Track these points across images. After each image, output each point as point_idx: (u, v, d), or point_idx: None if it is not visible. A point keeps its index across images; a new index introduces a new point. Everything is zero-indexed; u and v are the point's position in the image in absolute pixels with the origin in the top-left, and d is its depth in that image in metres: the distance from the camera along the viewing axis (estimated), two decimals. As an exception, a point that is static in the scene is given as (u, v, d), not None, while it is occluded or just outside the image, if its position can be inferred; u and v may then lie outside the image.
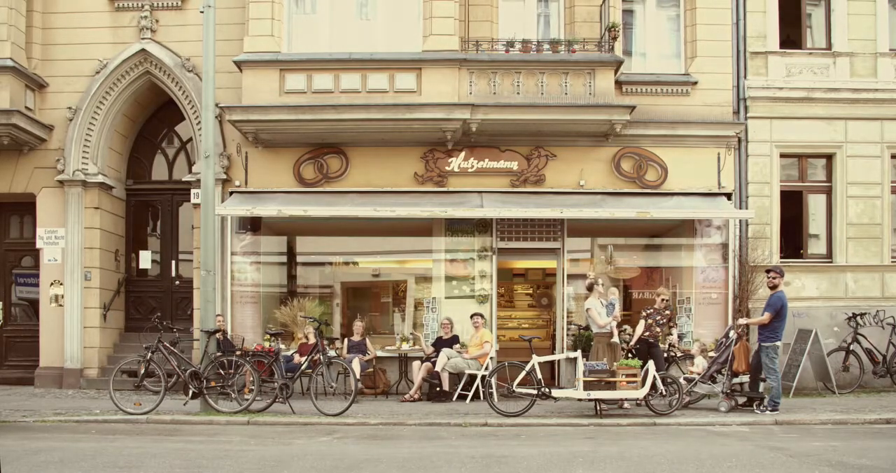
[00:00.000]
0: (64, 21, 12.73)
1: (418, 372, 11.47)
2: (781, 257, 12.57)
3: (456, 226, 12.54)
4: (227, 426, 9.20)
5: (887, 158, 12.69)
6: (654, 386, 9.66)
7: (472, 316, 11.74)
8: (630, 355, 10.50)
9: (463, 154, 12.42)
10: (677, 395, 9.89)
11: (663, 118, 12.45)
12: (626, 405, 10.18)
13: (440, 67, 11.73)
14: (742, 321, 10.53)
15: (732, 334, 10.35)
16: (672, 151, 12.47)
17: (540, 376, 10.13)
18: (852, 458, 6.89)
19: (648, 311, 10.90)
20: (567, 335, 12.39)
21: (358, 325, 12.09)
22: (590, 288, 10.64)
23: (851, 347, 11.97)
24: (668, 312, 11.06)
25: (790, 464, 6.66)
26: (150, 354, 9.98)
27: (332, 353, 10.78)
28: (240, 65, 11.81)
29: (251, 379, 10.25)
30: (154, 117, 13.77)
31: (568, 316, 12.57)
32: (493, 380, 10.33)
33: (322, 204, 12.05)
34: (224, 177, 12.36)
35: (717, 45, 12.61)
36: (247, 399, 9.84)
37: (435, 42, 11.78)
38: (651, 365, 9.71)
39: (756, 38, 12.65)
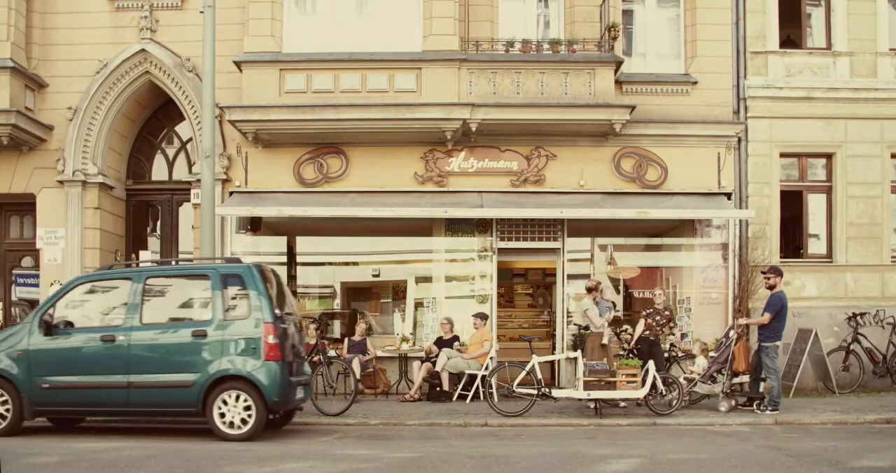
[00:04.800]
0: (64, 21, 12.71)
1: (418, 371, 11.48)
2: (781, 257, 12.56)
3: (456, 226, 12.54)
4: (227, 426, 9.20)
5: (887, 158, 12.68)
6: (654, 386, 9.67)
7: (472, 316, 11.76)
8: (631, 355, 10.52)
9: (463, 154, 12.41)
10: (677, 395, 9.90)
11: (663, 118, 12.44)
12: (621, 404, 10.20)
13: (440, 67, 11.73)
14: (742, 321, 10.55)
15: (732, 334, 10.36)
16: (672, 151, 12.46)
17: (540, 376, 10.15)
18: (852, 458, 6.89)
19: (648, 311, 10.96)
20: (567, 335, 12.39)
21: (358, 325, 12.10)
22: (589, 291, 10.68)
23: (851, 347, 11.98)
24: (667, 312, 11.08)
25: (790, 464, 6.65)
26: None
27: (332, 353, 10.78)
28: (240, 65, 11.81)
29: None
30: (154, 117, 13.74)
31: (568, 316, 12.57)
32: (493, 380, 10.33)
33: (322, 204, 12.05)
34: (224, 177, 12.35)
35: (716, 45, 12.60)
36: (247, 399, 9.80)
37: (435, 42, 11.77)
38: (651, 365, 9.72)
39: (756, 37, 12.63)
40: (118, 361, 7.99)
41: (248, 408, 7.84)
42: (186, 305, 8.63)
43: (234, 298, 8.13)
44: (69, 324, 8.34)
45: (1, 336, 8.52)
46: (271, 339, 7.87)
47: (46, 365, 8.10)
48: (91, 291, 8.70)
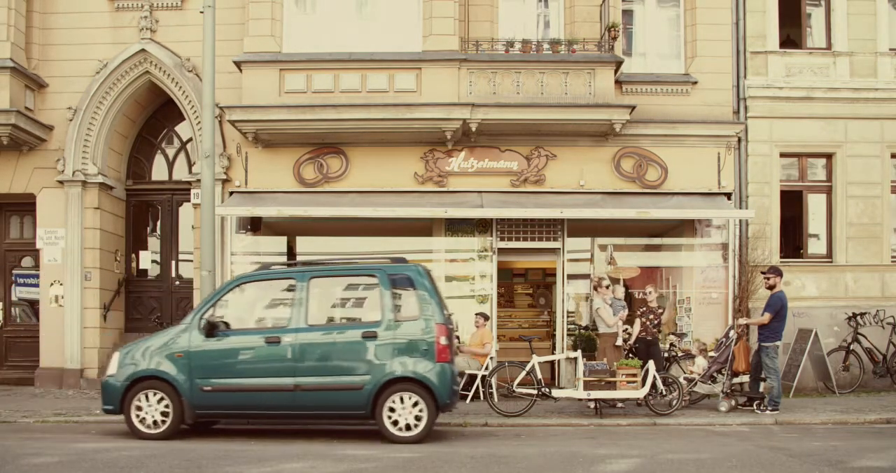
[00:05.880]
0: (64, 21, 12.71)
1: (418, 371, 11.45)
2: (781, 257, 12.57)
3: (456, 226, 12.55)
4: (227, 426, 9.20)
5: (887, 158, 12.68)
6: (654, 386, 9.67)
7: (475, 315, 11.77)
8: (630, 355, 10.52)
9: (463, 154, 12.41)
10: (677, 395, 9.90)
11: (663, 118, 12.44)
12: (618, 404, 10.19)
13: (440, 67, 11.73)
14: (742, 321, 10.55)
15: (732, 334, 10.36)
16: (672, 151, 12.46)
17: (540, 376, 10.15)
18: (853, 458, 6.90)
19: (642, 310, 10.97)
20: (567, 335, 12.39)
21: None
22: (596, 289, 10.66)
23: (851, 347, 11.98)
24: (660, 311, 11.08)
25: (790, 464, 6.66)
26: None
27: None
28: (240, 65, 11.81)
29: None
30: (154, 117, 13.75)
31: (568, 316, 12.57)
32: (494, 380, 10.33)
33: (322, 204, 12.05)
34: (224, 177, 12.35)
35: (716, 45, 12.60)
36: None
37: (435, 42, 11.78)
38: (651, 365, 9.72)
39: (756, 37, 12.64)
40: (284, 363, 7.79)
41: (416, 407, 7.72)
42: (353, 305, 8.55)
43: (403, 298, 7.99)
44: (229, 325, 8.12)
45: (159, 337, 8.20)
46: (443, 341, 7.76)
47: (208, 367, 7.85)
48: (251, 292, 8.51)
